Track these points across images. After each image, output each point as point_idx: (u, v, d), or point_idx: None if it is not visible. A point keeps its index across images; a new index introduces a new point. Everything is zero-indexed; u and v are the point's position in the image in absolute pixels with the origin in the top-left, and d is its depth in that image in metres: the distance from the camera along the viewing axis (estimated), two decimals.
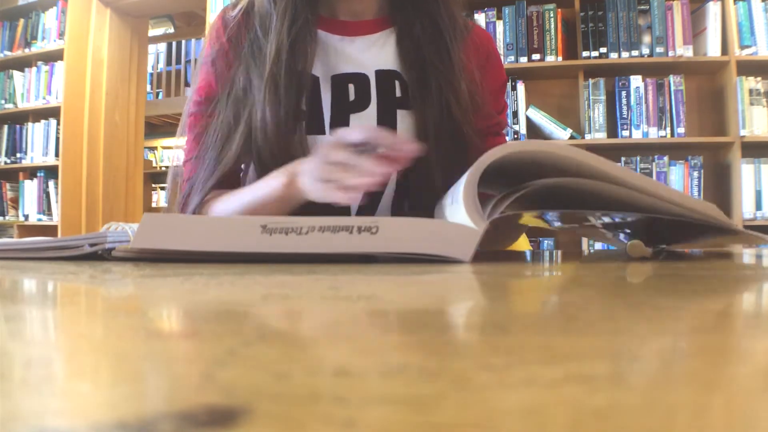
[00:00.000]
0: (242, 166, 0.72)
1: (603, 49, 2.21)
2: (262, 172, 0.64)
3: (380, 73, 0.69)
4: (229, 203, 0.64)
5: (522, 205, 0.44)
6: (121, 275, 0.32)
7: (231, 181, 0.69)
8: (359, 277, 0.30)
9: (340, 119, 0.68)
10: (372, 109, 0.68)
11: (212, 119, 0.69)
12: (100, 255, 0.43)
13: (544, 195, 0.42)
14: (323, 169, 0.52)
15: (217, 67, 0.70)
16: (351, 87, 0.68)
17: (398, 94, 0.68)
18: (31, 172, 3.03)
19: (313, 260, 0.40)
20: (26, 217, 3.01)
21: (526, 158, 0.41)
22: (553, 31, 2.24)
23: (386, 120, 0.68)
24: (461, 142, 0.67)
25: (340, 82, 0.69)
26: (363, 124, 0.57)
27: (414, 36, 0.68)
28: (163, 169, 4.94)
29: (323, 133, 0.67)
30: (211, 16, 2.47)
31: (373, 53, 0.70)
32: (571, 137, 2.21)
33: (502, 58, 2.23)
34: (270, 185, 0.60)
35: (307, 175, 0.55)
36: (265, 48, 0.66)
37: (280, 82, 0.64)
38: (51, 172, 2.93)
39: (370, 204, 0.68)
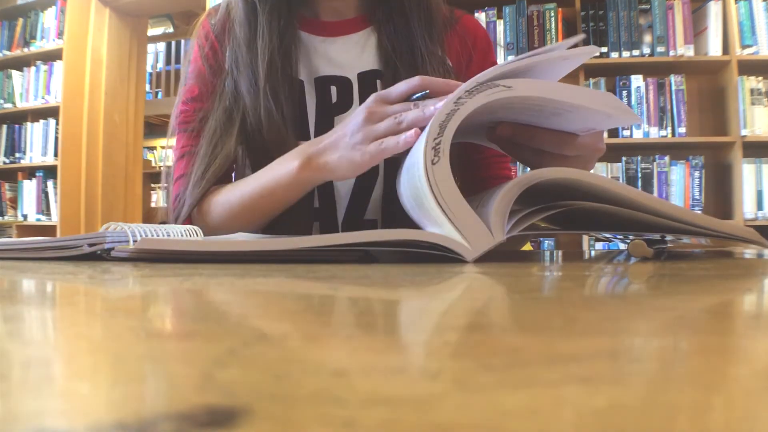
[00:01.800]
0: (234, 165, 0.71)
1: (604, 49, 2.21)
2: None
3: (362, 76, 0.68)
4: (233, 193, 0.61)
5: (540, 223, 0.44)
6: (120, 275, 0.32)
7: (224, 180, 0.68)
8: (359, 278, 0.30)
9: (325, 122, 0.67)
10: (354, 109, 0.67)
11: (203, 119, 0.68)
12: (98, 255, 0.43)
13: (564, 215, 0.42)
14: (367, 130, 0.48)
15: (207, 68, 0.70)
16: (333, 89, 0.68)
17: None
18: (30, 172, 3.02)
19: (312, 260, 0.40)
20: (25, 217, 3.00)
21: (557, 180, 0.41)
22: (553, 30, 2.24)
23: None
24: None
25: (322, 84, 0.68)
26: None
27: (390, 34, 0.68)
28: (162, 168, 4.94)
29: (308, 137, 0.67)
30: None
31: (354, 54, 0.69)
32: None
33: (500, 53, 2.20)
34: (279, 171, 0.56)
35: (338, 148, 0.51)
36: (249, 54, 0.65)
37: (279, 89, 0.64)
38: (50, 171, 2.93)
39: (358, 206, 0.67)
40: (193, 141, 0.68)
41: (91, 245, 0.43)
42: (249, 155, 0.66)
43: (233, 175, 0.73)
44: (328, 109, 0.68)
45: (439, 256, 0.39)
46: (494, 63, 0.75)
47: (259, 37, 0.66)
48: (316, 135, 0.67)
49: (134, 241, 0.43)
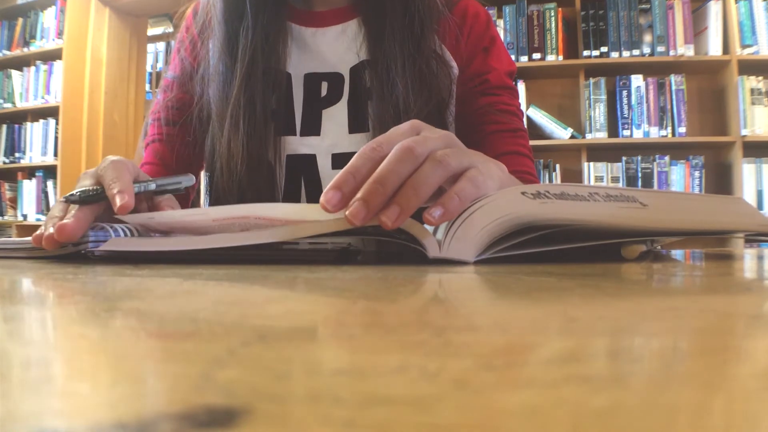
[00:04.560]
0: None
1: (604, 49, 2.21)
2: (229, 176, 0.63)
3: (354, 69, 0.68)
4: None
5: (516, 245, 0.41)
6: (119, 275, 0.32)
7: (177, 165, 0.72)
8: (357, 278, 0.30)
9: (313, 116, 0.67)
10: (343, 103, 0.67)
11: (171, 108, 0.71)
12: (83, 254, 0.43)
13: (541, 237, 0.41)
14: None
15: (185, 64, 0.72)
16: (324, 84, 0.68)
17: (368, 84, 0.67)
18: (30, 172, 3.02)
19: (302, 261, 0.40)
20: (25, 216, 3.00)
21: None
22: (553, 30, 2.24)
23: (357, 111, 0.67)
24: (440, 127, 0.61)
25: (313, 80, 0.68)
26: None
27: (380, 22, 0.66)
28: None
29: (294, 132, 0.66)
30: None
31: (345, 45, 0.69)
32: (572, 137, 2.21)
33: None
34: None
35: None
36: (232, 47, 0.65)
37: (257, 83, 0.63)
38: (50, 171, 2.93)
39: None
40: (158, 130, 0.72)
41: (75, 245, 0.43)
42: (224, 161, 0.65)
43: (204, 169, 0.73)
44: (317, 103, 0.68)
45: (416, 255, 0.38)
46: (489, 37, 0.73)
47: (242, 30, 0.65)
48: (303, 129, 0.67)
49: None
